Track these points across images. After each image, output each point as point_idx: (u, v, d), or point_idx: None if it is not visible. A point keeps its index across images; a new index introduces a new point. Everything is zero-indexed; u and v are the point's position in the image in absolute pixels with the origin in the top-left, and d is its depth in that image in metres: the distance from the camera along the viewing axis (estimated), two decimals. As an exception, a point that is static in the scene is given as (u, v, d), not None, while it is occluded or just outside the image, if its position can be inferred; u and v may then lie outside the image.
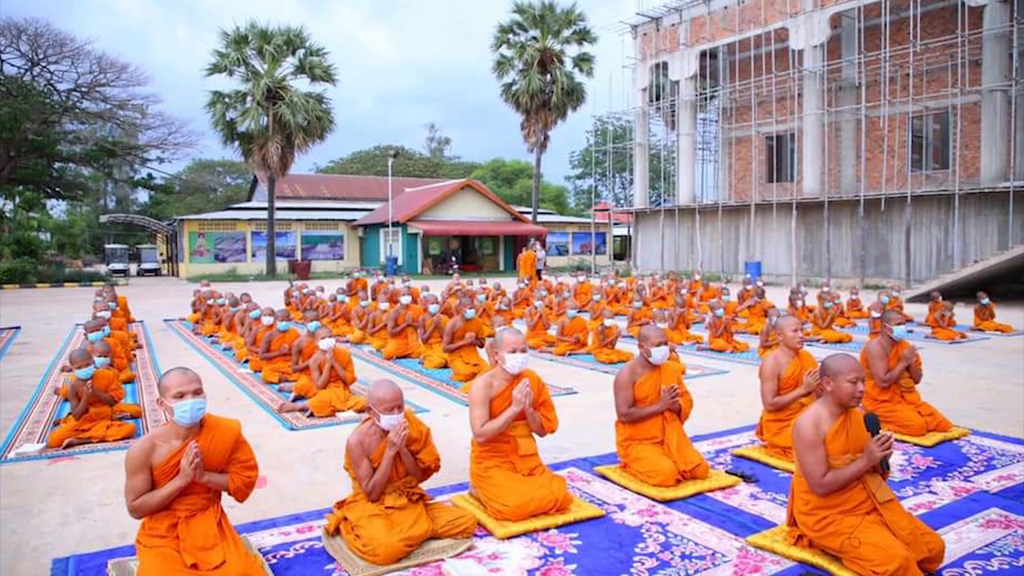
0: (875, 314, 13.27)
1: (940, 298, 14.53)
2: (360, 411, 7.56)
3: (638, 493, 5.12)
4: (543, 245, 38.89)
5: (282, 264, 41.77)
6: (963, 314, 15.94)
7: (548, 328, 13.26)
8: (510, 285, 21.52)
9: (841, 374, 3.99)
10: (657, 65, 35.59)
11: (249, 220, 43.30)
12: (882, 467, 3.95)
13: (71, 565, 4.13)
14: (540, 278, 27.88)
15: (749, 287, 16.62)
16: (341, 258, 45.51)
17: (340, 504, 4.43)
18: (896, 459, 5.80)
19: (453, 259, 43.31)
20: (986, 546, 4.17)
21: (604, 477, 5.50)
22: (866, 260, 26.96)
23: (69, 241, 68.75)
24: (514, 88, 42.51)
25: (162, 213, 64.99)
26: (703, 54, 33.75)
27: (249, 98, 37.39)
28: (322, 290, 18.22)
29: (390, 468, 4.26)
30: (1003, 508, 4.75)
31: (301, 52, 38.50)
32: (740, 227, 31.98)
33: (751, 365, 10.41)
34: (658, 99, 36.64)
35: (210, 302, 15.73)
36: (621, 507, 4.89)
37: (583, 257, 49.44)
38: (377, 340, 12.78)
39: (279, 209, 41.85)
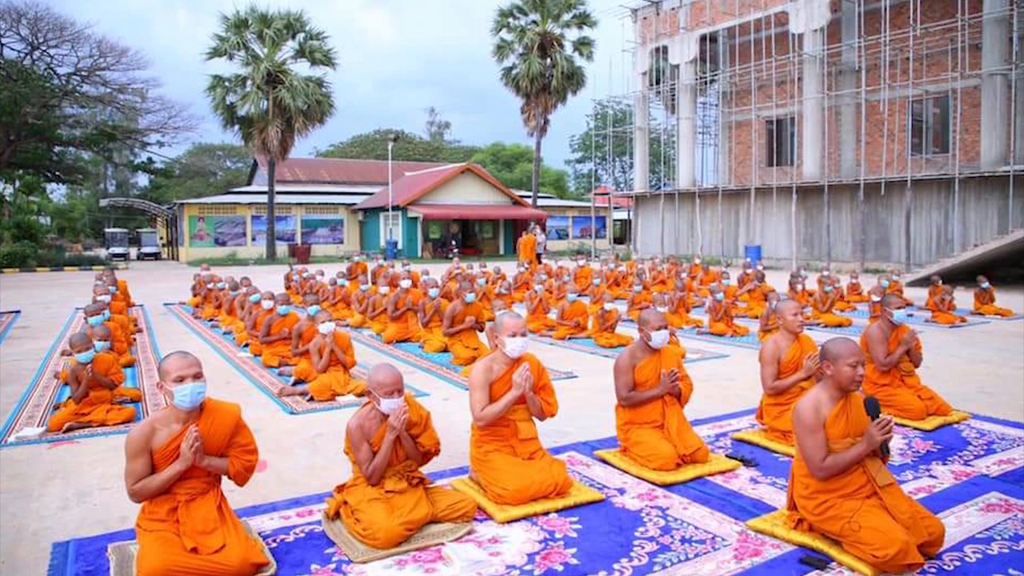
0: (875, 298, 13.26)
1: (940, 282, 14.52)
2: (360, 395, 7.57)
3: (638, 477, 5.12)
4: (543, 229, 38.81)
5: (282, 248, 41.71)
6: (963, 298, 15.92)
7: (548, 312, 13.25)
8: (510, 269, 21.50)
9: (841, 358, 3.98)
10: (657, 49, 35.45)
11: (249, 204, 43.23)
12: (882, 451, 3.95)
13: (71, 549, 4.13)
14: (540, 262, 27.88)
15: (749, 271, 16.60)
16: (341, 242, 45.46)
17: (340, 488, 4.43)
18: (896, 443, 5.81)
19: (453, 243, 43.26)
20: (986, 530, 4.18)
21: (604, 461, 5.50)
22: (866, 244, 26.94)
23: (69, 225, 68.66)
24: (514, 72, 42.36)
25: (162, 197, 64.90)
26: (703, 38, 33.62)
27: (249, 82, 37.27)
28: (322, 274, 18.21)
29: (390, 452, 4.26)
30: (1003, 492, 4.75)
31: (301, 36, 38.32)
32: (740, 211, 31.93)
33: (751, 349, 10.41)
34: (658, 83, 36.51)
35: (210, 286, 15.71)
36: (621, 491, 4.89)
37: (583, 241, 49.36)
38: (377, 324, 12.78)
39: (279, 193, 41.77)
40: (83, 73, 39.66)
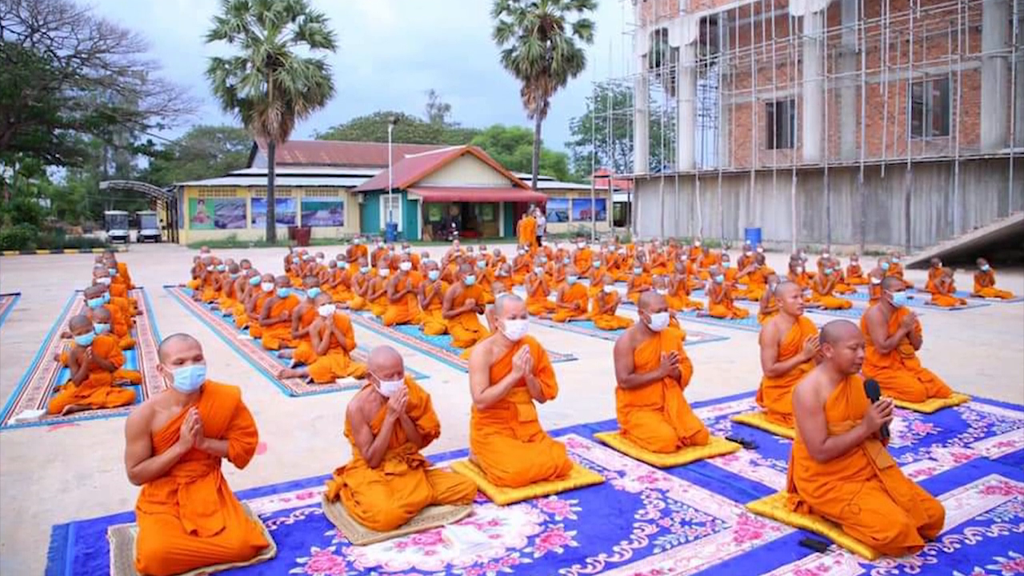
0: (875, 280, 13.24)
1: (940, 264, 14.50)
2: (360, 377, 7.57)
3: (638, 459, 5.12)
4: (543, 211, 38.78)
5: (282, 230, 41.66)
6: (963, 280, 15.89)
7: (548, 294, 13.24)
8: (510, 251, 21.48)
9: (841, 340, 3.97)
10: (657, 31, 35.28)
11: (249, 186, 43.18)
12: (882, 433, 3.94)
13: (71, 531, 4.13)
14: (540, 244, 27.87)
15: (749, 253, 16.58)
16: (341, 224, 45.41)
17: (340, 470, 4.43)
18: (896, 425, 5.81)
19: (453, 225, 43.20)
20: (986, 512, 4.18)
21: (604, 443, 5.50)
22: (866, 226, 26.91)
23: (69, 207, 68.54)
24: (514, 54, 42.16)
25: (162, 179, 64.68)
26: (703, 20, 33.44)
27: (249, 64, 37.14)
28: (322, 256, 18.19)
29: (390, 434, 4.25)
30: (1003, 474, 4.75)
31: (301, 18, 38.17)
32: (740, 193, 31.88)
33: (751, 331, 10.40)
34: (658, 65, 36.34)
35: (210, 268, 15.70)
36: (621, 473, 4.89)
37: (583, 223, 49.32)
38: (377, 306, 12.78)
39: (279, 175, 41.67)
40: (83, 55, 39.47)
